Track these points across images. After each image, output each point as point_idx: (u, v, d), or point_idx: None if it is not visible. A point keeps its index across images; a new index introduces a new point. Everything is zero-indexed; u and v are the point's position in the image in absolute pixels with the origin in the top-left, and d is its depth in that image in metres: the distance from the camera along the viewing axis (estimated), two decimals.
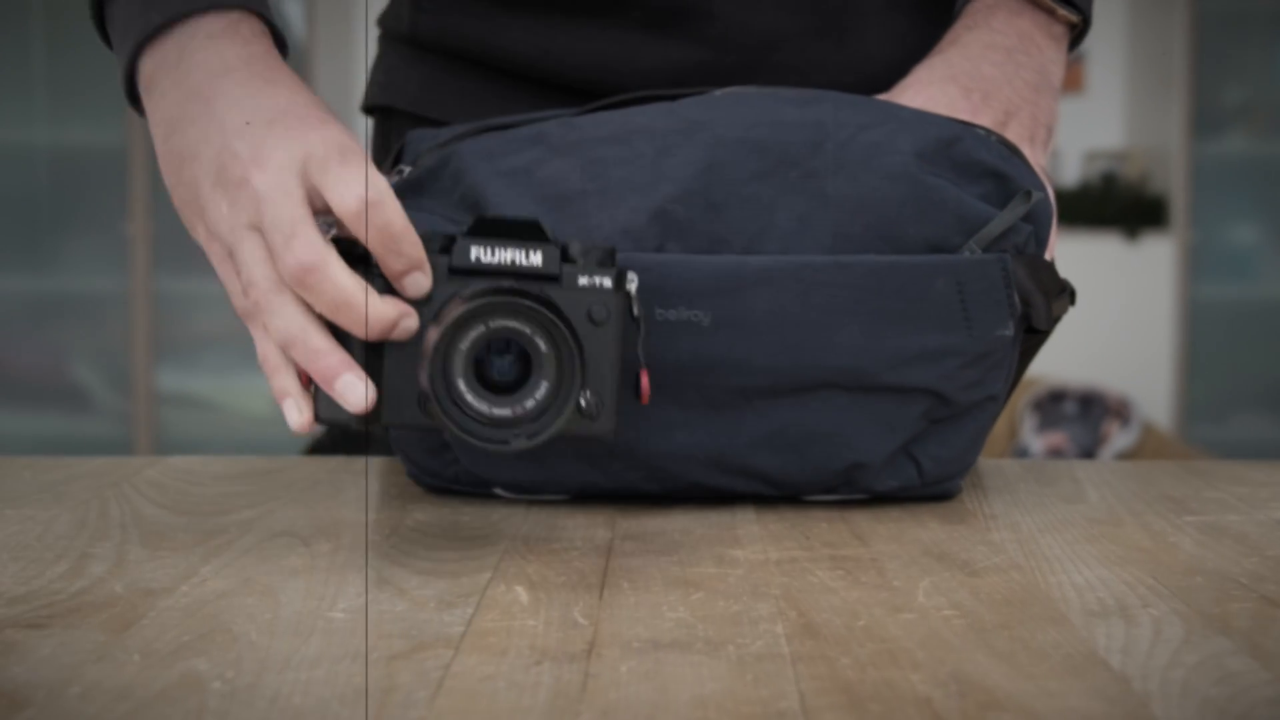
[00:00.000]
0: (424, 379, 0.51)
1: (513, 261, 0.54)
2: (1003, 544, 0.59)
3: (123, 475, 0.73)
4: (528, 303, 0.51)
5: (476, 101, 0.78)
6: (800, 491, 0.66)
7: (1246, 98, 3.73)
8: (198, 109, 0.57)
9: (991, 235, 0.63)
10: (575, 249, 0.55)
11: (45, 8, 3.47)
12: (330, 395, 0.52)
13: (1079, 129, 3.71)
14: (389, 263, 0.53)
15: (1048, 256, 0.66)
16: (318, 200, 0.54)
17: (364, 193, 0.51)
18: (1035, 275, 0.64)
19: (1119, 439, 3.30)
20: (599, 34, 0.75)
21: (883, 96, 0.70)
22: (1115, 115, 3.84)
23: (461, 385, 0.52)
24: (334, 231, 0.55)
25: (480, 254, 0.54)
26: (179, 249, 3.44)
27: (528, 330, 0.52)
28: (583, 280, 0.55)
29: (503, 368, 0.52)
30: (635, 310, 0.57)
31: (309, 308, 0.53)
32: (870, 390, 0.63)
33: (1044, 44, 0.73)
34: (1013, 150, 0.65)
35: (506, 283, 0.53)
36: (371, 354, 0.53)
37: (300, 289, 0.52)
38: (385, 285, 0.53)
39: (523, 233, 0.55)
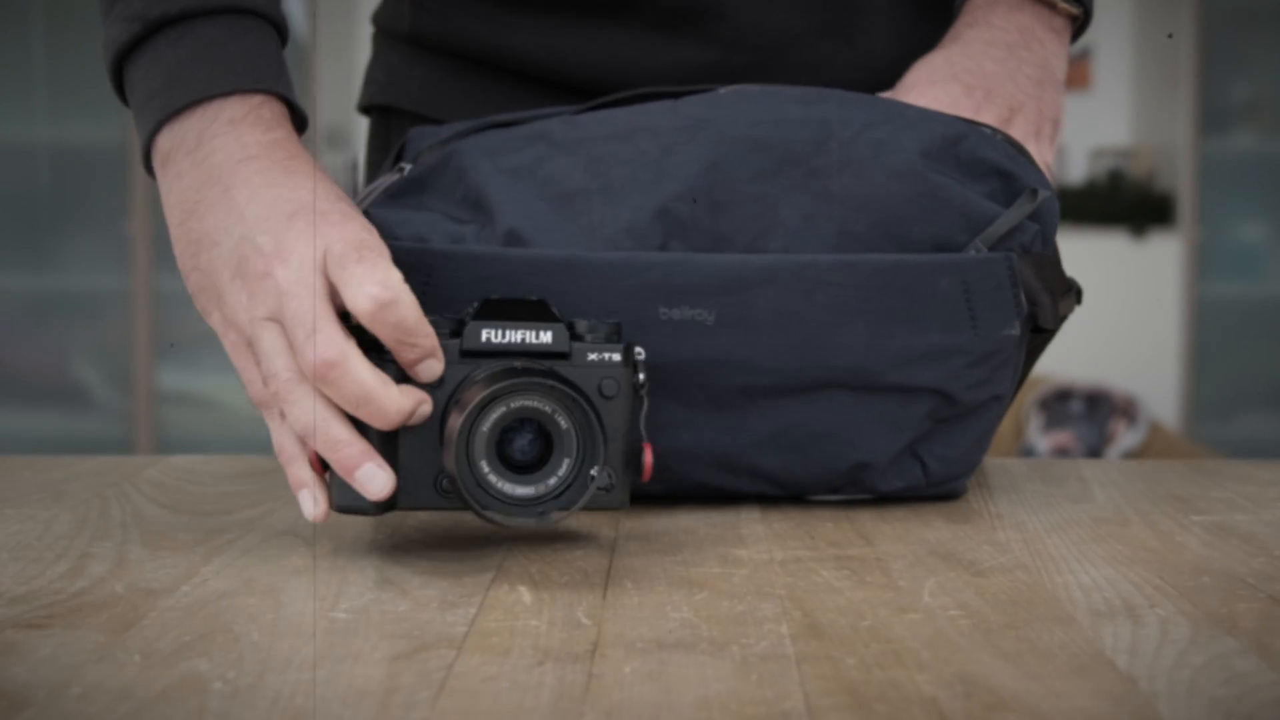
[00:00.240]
0: (449, 462, 0.52)
1: (523, 340, 0.55)
2: (1008, 544, 0.59)
3: (123, 474, 0.73)
4: (549, 381, 0.52)
5: (480, 101, 0.78)
6: (805, 491, 0.66)
7: (1254, 95, 3.72)
8: (216, 194, 0.57)
9: (997, 234, 0.62)
10: (582, 326, 0.56)
11: (45, 6, 3.47)
12: (350, 484, 0.53)
13: (1085, 126, 3.69)
14: (403, 354, 0.53)
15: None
16: (335, 296, 0.54)
17: (378, 293, 0.52)
18: (1041, 274, 0.63)
19: (1125, 438, 3.29)
20: (608, 34, 0.75)
21: (884, 96, 0.70)
22: (1122, 113, 3.83)
23: (485, 467, 0.52)
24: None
25: (490, 335, 0.55)
26: None
27: (548, 409, 0.52)
28: (592, 356, 0.56)
29: (523, 447, 0.53)
30: (641, 378, 0.57)
31: (327, 398, 0.53)
32: (875, 390, 0.63)
33: (1045, 38, 0.73)
34: (1018, 149, 0.65)
35: (519, 362, 0.54)
36: (386, 440, 0.54)
37: (322, 384, 0.52)
38: (399, 371, 0.54)
39: (530, 312, 0.56)
